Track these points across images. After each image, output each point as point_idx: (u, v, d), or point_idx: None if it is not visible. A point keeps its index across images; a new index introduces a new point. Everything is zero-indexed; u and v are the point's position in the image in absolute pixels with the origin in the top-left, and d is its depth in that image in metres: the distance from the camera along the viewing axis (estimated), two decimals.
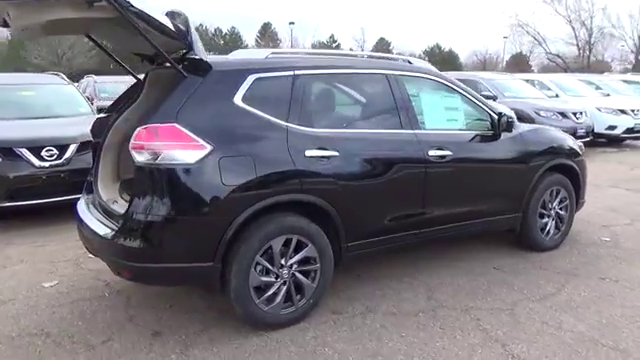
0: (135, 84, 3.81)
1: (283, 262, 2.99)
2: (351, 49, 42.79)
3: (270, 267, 2.95)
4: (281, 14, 79.13)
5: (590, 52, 38.23)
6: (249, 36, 55.57)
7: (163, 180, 2.71)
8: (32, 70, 28.75)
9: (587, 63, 36.95)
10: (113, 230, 2.87)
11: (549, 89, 12.19)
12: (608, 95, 12.65)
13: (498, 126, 3.88)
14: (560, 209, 4.40)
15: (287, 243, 2.99)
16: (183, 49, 3.12)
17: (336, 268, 3.24)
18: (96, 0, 2.54)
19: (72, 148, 5.29)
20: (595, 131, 10.58)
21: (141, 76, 3.84)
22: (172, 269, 2.78)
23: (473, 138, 3.83)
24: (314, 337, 2.96)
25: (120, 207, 3.12)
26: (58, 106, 6.40)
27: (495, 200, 3.96)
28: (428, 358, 2.75)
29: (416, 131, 3.49)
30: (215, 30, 53.32)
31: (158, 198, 2.71)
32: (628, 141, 11.79)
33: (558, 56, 38.21)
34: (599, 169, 7.92)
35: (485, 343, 2.87)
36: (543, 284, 3.68)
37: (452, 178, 3.65)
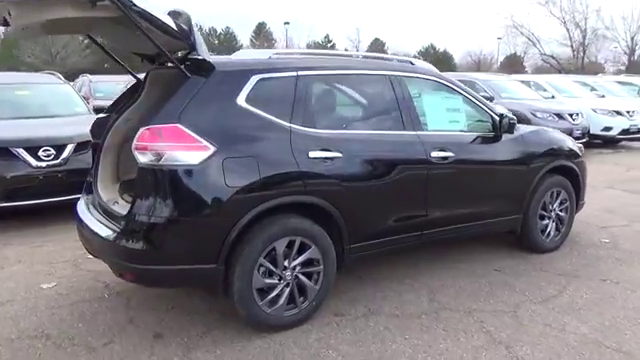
0: (135, 84, 3.78)
1: (286, 264, 2.97)
2: (346, 49, 42.78)
3: (273, 269, 2.94)
4: (276, 14, 79.13)
5: (584, 54, 38.45)
6: (244, 36, 55.43)
7: (166, 181, 2.68)
8: (25, 69, 28.52)
9: (581, 64, 37.15)
10: (115, 231, 2.84)
11: (545, 90, 12.24)
12: (603, 96, 12.73)
13: (499, 127, 3.88)
14: (560, 211, 4.41)
15: (290, 245, 2.97)
16: (185, 49, 3.08)
17: (338, 270, 3.23)
18: None
19: (69, 148, 5.25)
20: (591, 132, 10.63)
21: (141, 76, 3.81)
22: (175, 271, 2.76)
23: (475, 139, 3.83)
24: (317, 339, 2.95)
25: (121, 208, 3.09)
26: (54, 106, 6.34)
27: (496, 202, 3.96)
28: None
29: (418, 132, 3.49)
30: (209, 30, 53.12)
31: (161, 199, 2.69)
32: (623, 142, 11.88)
33: (552, 57, 38.39)
34: (595, 170, 7.93)
35: (489, 345, 2.87)
36: (544, 286, 3.68)
37: (454, 179, 3.64)
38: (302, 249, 3.02)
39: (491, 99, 9.99)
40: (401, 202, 3.44)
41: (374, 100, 3.58)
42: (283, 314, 3.00)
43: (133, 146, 2.71)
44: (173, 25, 2.77)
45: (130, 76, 4.00)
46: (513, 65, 43.79)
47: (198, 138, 2.70)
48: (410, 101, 3.51)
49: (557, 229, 4.43)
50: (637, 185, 7.28)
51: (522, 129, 4.20)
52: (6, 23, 2.85)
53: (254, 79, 2.96)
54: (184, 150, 2.68)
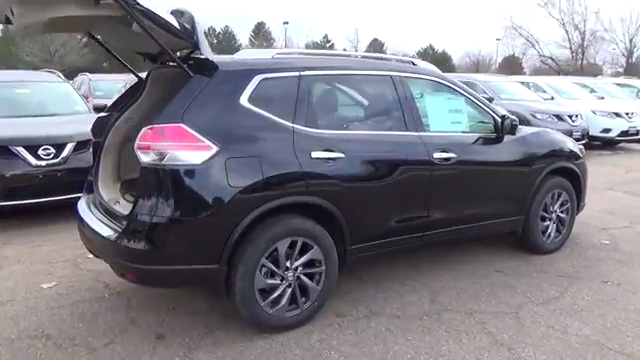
0: (136, 83, 3.76)
1: (288, 264, 2.96)
2: (344, 49, 42.76)
3: (275, 269, 2.93)
4: (275, 14, 79.08)
5: (583, 55, 38.51)
6: (243, 35, 55.39)
7: (169, 181, 2.67)
8: (23, 67, 28.44)
9: (580, 66, 37.21)
10: (117, 231, 2.82)
11: (544, 91, 12.26)
12: (602, 98, 12.76)
13: (501, 129, 3.88)
14: (561, 212, 4.41)
15: (292, 245, 2.96)
16: (188, 48, 3.07)
17: (340, 270, 3.22)
18: None
19: (69, 147, 5.23)
20: (590, 134, 10.65)
21: (142, 75, 3.80)
22: (177, 271, 2.75)
23: (477, 141, 3.82)
24: (319, 340, 2.94)
25: (123, 208, 3.08)
26: (54, 104, 6.32)
27: (498, 203, 3.96)
28: None
29: (421, 133, 3.48)
30: (208, 29, 53.03)
31: (164, 199, 2.68)
32: (622, 144, 11.90)
33: (551, 59, 38.45)
34: (595, 172, 7.91)
35: (491, 347, 2.86)
36: (546, 287, 3.68)
37: (456, 180, 3.64)
38: (304, 250, 3.01)
39: (490, 100, 9.98)
40: (403, 203, 3.44)
41: (377, 100, 3.58)
42: (285, 315, 2.99)
43: (136, 145, 2.70)
44: (176, 24, 2.76)
45: (129, 75, 3.99)
46: (511, 66, 43.86)
47: (201, 138, 2.69)
48: (412, 102, 3.51)
49: (558, 230, 4.43)
50: (637, 186, 7.28)
51: (524, 130, 4.20)
52: (8, 21, 2.84)
53: (257, 79, 2.95)
54: (187, 150, 2.67)
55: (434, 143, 3.51)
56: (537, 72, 38.78)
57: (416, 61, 3.89)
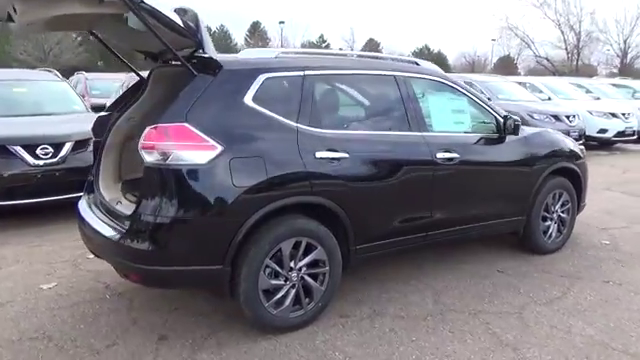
0: (137, 82, 3.73)
1: (292, 265, 2.95)
2: (340, 49, 42.75)
3: (279, 270, 2.91)
4: (271, 13, 78.90)
5: (578, 56, 38.68)
6: (238, 35, 55.31)
7: (173, 181, 2.65)
8: (17, 66, 28.26)
9: (576, 67, 37.37)
10: (120, 231, 2.80)
11: (541, 92, 12.29)
12: (598, 98, 12.81)
13: (504, 129, 3.88)
14: (562, 212, 4.42)
15: (296, 246, 2.95)
16: (191, 47, 3.04)
17: (344, 271, 3.20)
18: None
19: (67, 146, 5.20)
20: (587, 134, 10.69)
21: (142, 74, 3.77)
22: (181, 272, 2.72)
23: (479, 141, 3.82)
24: (323, 341, 2.93)
25: (125, 208, 3.06)
26: (52, 103, 6.28)
27: (500, 203, 3.96)
28: None
29: (424, 133, 3.47)
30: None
31: (167, 199, 2.65)
32: (619, 144, 11.95)
33: (547, 59, 38.59)
34: (592, 172, 7.82)
35: (496, 347, 2.86)
36: (548, 287, 3.68)
37: (459, 181, 3.63)
38: (308, 250, 2.99)
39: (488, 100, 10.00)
40: (406, 203, 3.43)
41: (380, 100, 3.56)
42: (289, 315, 2.98)
43: (139, 145, 2.67)
44: (180, 22, 2.73)
45: (126, 74, 3.97)
46: (507, 67, 44.01)
47: (205, 137, 2.66)
48: (416, 102, 3.50)
49: (559, 231, 4.43)
50: (634, 187, 7.32)
51: (526, 130, 4.20)
52: (10, 19, 2.80)
53: (261, 78, 2.93)
54: (191, 149, 2.64)
55: (437, 143, 3.50)
56: (532, 72, 38.92)
57: (419, 61, 3.87)
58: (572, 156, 4.46)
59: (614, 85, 15.06)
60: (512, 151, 3.95)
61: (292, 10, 74.50)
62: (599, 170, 8.67)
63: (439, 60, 51.64)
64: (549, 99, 11.74)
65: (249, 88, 2.87)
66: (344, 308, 3.30)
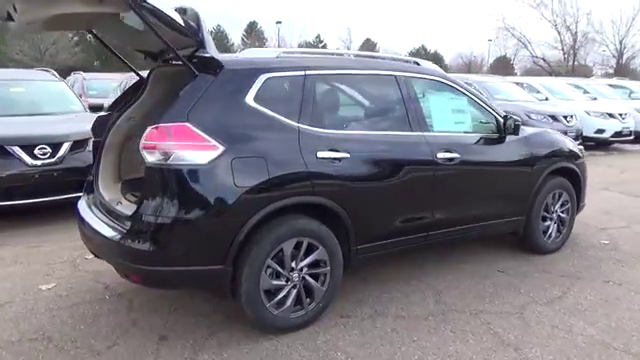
0: (137, 82, 3.72)
1: (293, 265, 2.94)
2: (337, 49, 42.76)
3: (281, 270, 2.90)
4: (267, 13, 78.92)
5: (575, 57, 38.81)
6: (235, 35, 55.20)
7: (174, 181, 2.63)
8: (13, 66, 28.10)
9: (572, 67, 37.49)
10: (120, 232, 2.78)
11: (538, 92, 12.32)
12: (596, 99, 12.85)
13: (504, 129, 3.88)
14: (562, 212, 4.43)
15: (298, 246, 2.94)
16: (192, 46, 3.03)
17: (345, 271, 3.20)
18: None
19: (65, 146, 5.17)
20: (584, 134, 10.71)
21: (141, 73, 3.75)
22: (182, 272, 2.71)
23: (480, 141, 3.82)
24: (325, 341, 2.92)
25: (125, 208, 3.04)
26: (50, 103, 6.25)
27: (501, 203, 3.96)
28: None
29: (425, 133, 3.47)
30: None
31: (169, 199, 2.64)
32: (616, 144, 12.00)
33: (543, 60, 38.70)
34: (590, 172, 7.84)
35: (498, 347, 2.86)
36: (549, 287, 3.68)
37: (460, 180, 3.63)
38: (309, 250, 2.98)
39: None
40: (407, 203, 3.42)
41: (381, 100, 3.56)
42: (290, 316, 2.97)
43: (141, 145, 2.66)
44: (181, 21, 2.72)
45: (123, 74, 3.95)
46: (503, 67, 44.09)
47: (207, 137, 2.65)
48: (417, 102, 3.50)
49: (558, 230, 4.44)
50: (632, 187, 7.34)
51: (525, 131, 4.20)
52: (9, 18, 2.78)
53: (262, 78, 2.92)
54: (193, 149, 2.63)
55: (438, 143, 3.50)
56: (528, 73, 39.03)
57: (420, 61, 3.87)
58: (572, 156, 4.47)
59: (611, 85, 15.12)
60: (512, 151, 3.96)
61: (289, 10, 74.49)
62: (596, 170, 8.69)
63: (436, 60, 51.59)
64: (546, 99, 11.77)
65: (250, 88, 2.86)
66: (345, 308, 3.29)
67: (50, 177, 5.05)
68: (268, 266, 2.84)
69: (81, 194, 3.66)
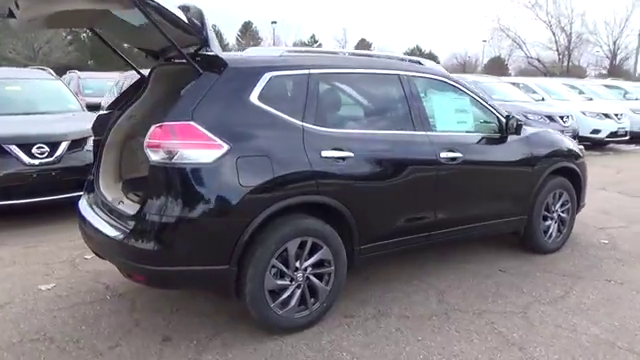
0: (138, 80, 3.69)
1: (298, 265, 2.92)
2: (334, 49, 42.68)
3: (285, 270, 2.88)
4: (262, 13, 78.59)
5: (569, 57, 39.01)
6: (230, 35, 55.01)
7: (178, 180, 2.61)
8: (6, 64, 27.86)
9: (567, 68, 37.69)
10: (124, 231, 2.75)
11: (534, 92, 12.36)
12: (591, 99, 12.91)
13: (506, 128, 3.88)
14: (562, 212, 4.44)
15: (302, 245, 2.92)
16: (195, 44, 3.01)
17: (348, 271, 3.18)
18: None
19: (63, 145, 5.13)
20: (580, 134, 10.75)
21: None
22: (186, 272, 2.68)
23: (482, 140, 3.82)
24: (329, 341, 2.90)
25: (128, 207, 3.02)
26: (47, 102, 6.20)
27: (502, 203, 3.96)
28: None
29: (428, 132, 3.46)
30: None
31: (173, 198, 2.61)
32: (611, 145, 12.06)
33: (538, 60, 38.87)
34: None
35: (503, 347, 2.85)
36: (551, 287, 3.69)
37: (462, 180, 3.63)
38: (313, 250, 2.97)
39: None
40: (410, 202, 3.41)
41: (385, 99, 3.55)
42: (294, 316, 2.95)
43: (145, 144, 2.63)
44: (186, 20, 2.70)
45: (120, 73, 3.92)
46: (499, 67, 44.24)
47: (211, 136, 2.63)
48: (420, 101, 3.49)
49: (559, 230, 4.45)
50: (629, 187, 7.38)
51: (527, 130, 4.21)
52: (11, 15, 2.75)
53: (267, 76, 2.90)
54: (197, 148, 2.61)
55: (441, 143, 3.49)
56: (522, 73, 39.15)
57: (422, 60, 3.86)
58: (572, 156, 4.48)
59: (606, 86, 15.20)
60: (514, 151, 3.96)
61: (284, 10, 74.45)
62: (593, 170, 8.62)
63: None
64: (542, 100, 11.81)
65: (255, 86, 2.85)
66: (348, 308, 3.28)
67: (48, 176, 5.01)
68: (272, 266, 2.83)
69: (79, 193, 3.63)
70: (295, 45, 47.29)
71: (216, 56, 2.86)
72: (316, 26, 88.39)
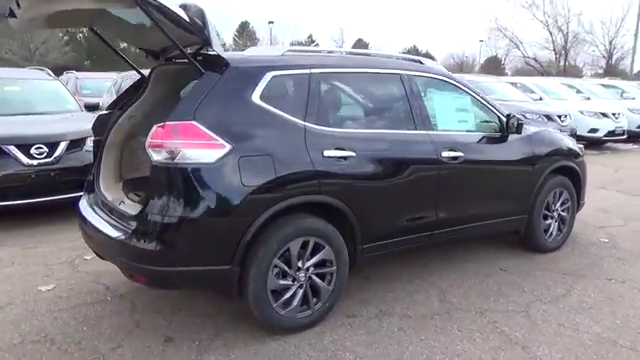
0: (138, 80, 3.67)
1: (300, 265, 2.92)
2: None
3: (287, 270, 2.88)
4: (259, 13, 78.68)
5: (566, 57, 39.09)
6: (227, 35, 54.89)
7: (181, 180, 2.60)
8: (3, 65, 27.73)
9: (564, 68, 37.77)
10: (125, 232, 2.73)
11: (532, 92, 12.38)
12: (589, 99, 12.94)
13: (507, 128, 3.88)
14: (562, 211, 4.44)
15: (304, 245, 2.91)
16: (197, 44, 2.99)
17: (350, 271, 3.18)
18: None
19: (62, 146, 5.10)
20: (577, 134, 10.77)
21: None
22: (189, 273, 2.67)
23: (483, 139, 3.82)
24: (332, 341, 2.90)
25: (129, 208, 3.00)
26: (45, 102, 6.16)
27: (503, 201, 3.97)
28: None
29: (429, 132, 3.46)
30: None
31: (175, 198, 2.60)
32: (609, 144, 12.09)
33: (535, 60, 38.94)
34: None
35: (506, 346, 2.85)
36: (552, 285, 3.69)
37: (463, 179, 3.63)
38: (316, 249, 2.96)
39: None
40: (412, 202, 3.41)
41: (386, 99, 3.55)
42: (297, 316, 2.94)
43: (147, 143, 2.62)
44: (187, 19, 2.68)
45: (117, 73, 3.91)
46: (495, 67, 44.32)
47: (214, 136, 2.62)
48: (421, 100, 3.49)
49: (559, 229, 4.46)
50: (627, 185, 7.40)
51: (527, 129, 4.21)
52: (12, 14, 2.73)
53: (268, 76, 2.89)
54: (200, 148, 2.60)
55: (442, 142, 3.49)
56: (518, 73, 39.22)
57: (423, 60, 3.86)
58: (572, 154, 4.48)
59: (603, 85, 15.23)
60: (515, 150, 3.96)
61: (281, 10, 74.31)
62: (591, 169, 8.55)
63: None
64: (540, 99, 11.83)
65: (257, 86, 2.84)
66: (350, 308, 3.27)
67: (47, 177, 4.98)
68: (275, 266, 2.82)
69: (78, 194, 3.62)
70: (292, 45, 47.28)
71: (218, 56, 2.85)
72: (313, 26, 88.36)
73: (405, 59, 3.79)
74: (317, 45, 53.21)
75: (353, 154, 3.03)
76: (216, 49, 2.83)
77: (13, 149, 4.86)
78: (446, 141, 3.51)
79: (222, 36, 52.78)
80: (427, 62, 3.83)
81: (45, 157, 4.98)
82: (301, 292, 2.94)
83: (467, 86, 3.88)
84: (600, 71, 39.27)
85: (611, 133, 11.29)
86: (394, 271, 3.82)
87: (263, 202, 2.72)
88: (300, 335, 2.94)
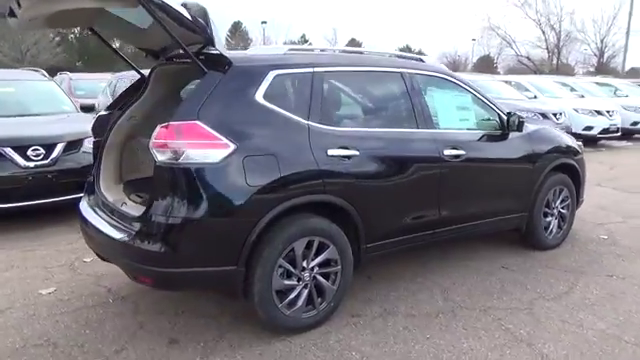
0: (138, 81, 3.64)
1: (305, 264, 2.90)
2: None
3: (292, 270, 2.86)
4: (252, 13, 78.45)
5: (559, 55, 39.30)
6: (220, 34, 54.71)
7: (185, 180, 2.57)
8: None
9: (556, 66, 37.97)
10: (129, 233, 2.71)
11: (526, 90, 12.43)
12: (583, 97, 13.01)
13: (507, 126, 3.89)
14: (562, 208, 4.46)
15: (309, 245, 2.90)
16: (199, 43, 2.97)
17: (354, 270, 3.17)
18: None
19: (59, 147, 5.05)
20: (572, 131, 10.82)
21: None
22: (193, 273, 2.65)
23: (484, 138, 3.82)
24: (337, 341, 2.89)
25: (132, 209, 2.98)
26: (41, 103, 6.10)
27: (505, 199, 3.97)
28: None
29: (431, 130, 3.46)
30: None
31: (179, 199, 2.58)
32: (603, 141, 12.17)
33: (528, 58, 39.12)
34: None
35: (512, 343, 2.85)
36: (554, 283, 3.70)
37: (465, 177, 3.63)
38: (320, 249, 2.95)
39: None
40: (415, 200, 3.41)
41: (389, 97, 3.53)
42: (302, 316, 2.93)
43: (150, 144, 2.59)
44: (190, 18, 2.66)
45: (112, 74, 3.88)
46: (488, 66, 44.48)
47: (218, 136, 2.60)
48: (422, 98, 3.48)
49: (559, 226, 4.47)
50: (623, 182, 7.45)
51: (527, 127, 4.21)
52: (12, 14, 2.70)
53: (272, 75, 2.87)
54: (204, 148, 2.58)
55: (444, 140, 3.49)
56: (511, 72, 39.35)
57: (424, 58, 3.85)
58: (571, 152, 4.51)
59: (597, 83, 15.33)
60: (515, 148, 3.97)
61: (274, 10, 74.20)
62: (587, 166, 8.64)
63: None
64: (535, 97, 11.87)
65: (260, 85, 2.82)
66: (355, 307, 3.26)
67: (44, 179, 4.93)
68: (280, 266, 2.81)
69: (76, 196, 3.59)
70: (285, 44, 47.15)
71: (220, 55, 2.83)
72: (306, 26, 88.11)
73: (405, 57, 3.78)
74: (310, 44, 53.23)
75: (357, 153, 3.02)
76: (219, 48, 2.81)
77: (9, 151, 4.81)
78: (448, 139, 3.51)
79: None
80: (427, 60, 3.83)
81: (42, 159, 4.93)
82: (306, 292, 2.92)
83: (468, 84, 3.88)
84: (592, 69, 39.53)
85: (605, 130, 11.36)
86: (396, 270, 3.82)
87: (268, 202, 2.70)
88: (305, 335, 2.92)
